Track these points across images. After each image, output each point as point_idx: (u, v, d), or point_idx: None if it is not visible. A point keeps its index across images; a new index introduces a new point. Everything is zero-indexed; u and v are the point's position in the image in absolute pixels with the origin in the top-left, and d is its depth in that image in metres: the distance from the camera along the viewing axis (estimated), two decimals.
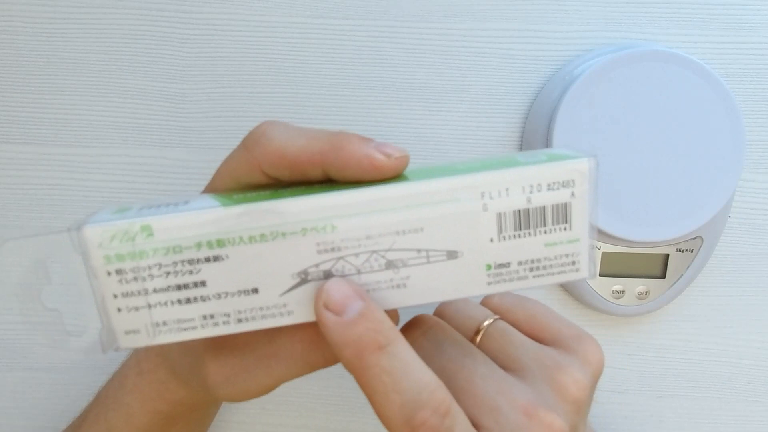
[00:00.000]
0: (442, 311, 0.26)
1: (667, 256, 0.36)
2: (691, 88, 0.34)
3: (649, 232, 0.35)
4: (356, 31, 0.37)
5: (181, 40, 0.37)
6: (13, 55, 0.37)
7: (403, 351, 0.19)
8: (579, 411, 0.21)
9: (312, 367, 0.23)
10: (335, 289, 0.20)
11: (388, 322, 0.20)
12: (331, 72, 0.37)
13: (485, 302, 0.26)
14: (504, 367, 0.22)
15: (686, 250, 0.36)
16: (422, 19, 0.37)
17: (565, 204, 0.20)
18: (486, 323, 0.24)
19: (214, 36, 0.37)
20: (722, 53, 0.37)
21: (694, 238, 0.36)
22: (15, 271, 0.20)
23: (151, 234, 0.19)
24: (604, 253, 0.36)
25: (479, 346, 0.23)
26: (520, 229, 0.20)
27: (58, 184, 0.38)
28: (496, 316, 0.24)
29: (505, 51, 0.37)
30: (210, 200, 0.21)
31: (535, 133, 0.36)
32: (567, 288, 0.38)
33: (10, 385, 0.40)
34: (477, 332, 0.24)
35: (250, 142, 0.22)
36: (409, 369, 0.19)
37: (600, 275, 0.37)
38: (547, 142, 0.35)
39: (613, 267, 0.36)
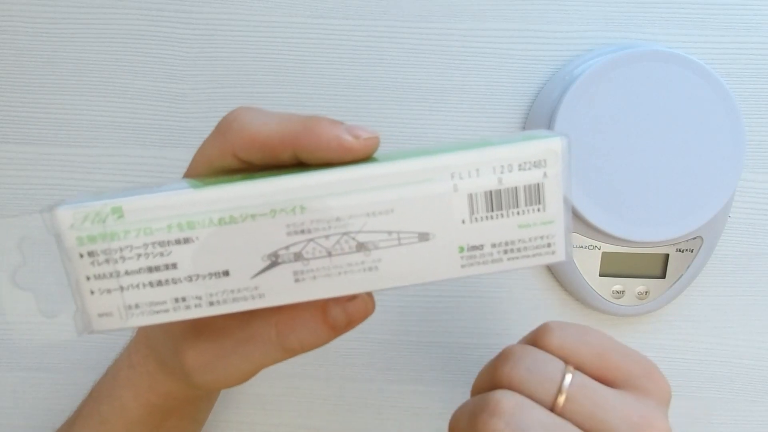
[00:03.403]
0: (510, 374, 0.23)
1: (667, 256, 0.36)
2: (691, 88, 0.34)
3: (649, 232, 0.35)
4: (356, 31, 0.37)
5: (181, 40, 0.37)
6: (14, 55, 0.37)
7: None
8: None
9: (288, 353, 0.23)
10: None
11: None
12: (331, 72, 0.37)
13: (541, 342, 0.24)
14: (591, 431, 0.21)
15: (686, 250, 0.36)
16: (422, 19, 0.37)
17: (538, 184, 0.20)
18: (566, 384, 0.22)
19: (214, 36, 0.37)
20: (722, 53, 0.37)
21: (694, 238, 0.36)
22: None
23: (121, 215, 0.19)
24: (604, 253, 0.36)
25: (563, 413, 0.22)
26: (493, 211, 0.20)
27: (58, 184, 0.38)
28: (570, 368, 0.22)
29: (505, 51, 0.37)
30: (181, 183, 0.21)
31: None
32: (567, 288, 0.38)
33: (10, 385, 0.40)
34: (558, 394, 0.22)
35: (223, 126, 0.22)
36: None
37: (600, 275, 0.37)
38: None
39: (613, 267, 0.36)
